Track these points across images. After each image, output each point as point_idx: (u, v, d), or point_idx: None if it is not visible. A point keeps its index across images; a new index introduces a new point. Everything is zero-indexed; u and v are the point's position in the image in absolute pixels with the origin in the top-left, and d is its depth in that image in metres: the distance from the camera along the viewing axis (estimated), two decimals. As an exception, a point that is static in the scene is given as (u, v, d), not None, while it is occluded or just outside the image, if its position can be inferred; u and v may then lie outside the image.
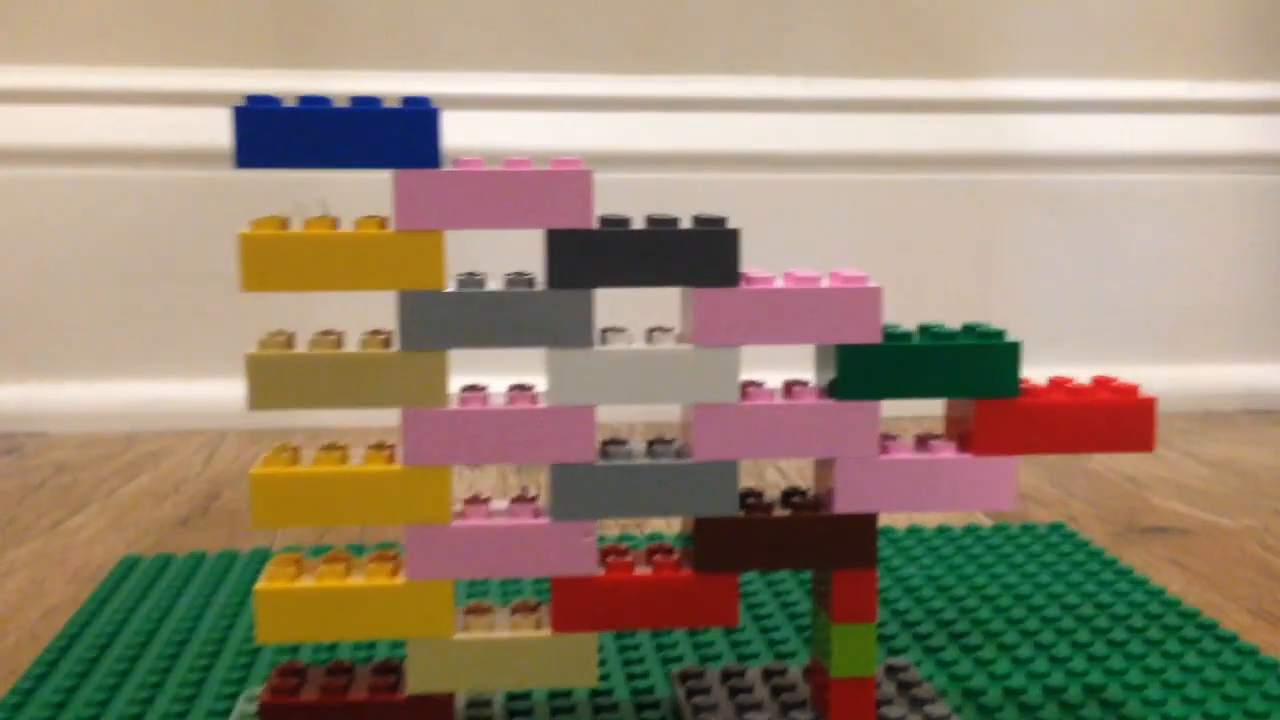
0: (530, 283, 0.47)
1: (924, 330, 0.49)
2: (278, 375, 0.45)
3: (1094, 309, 1.20)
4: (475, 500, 0.48)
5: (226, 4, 1.13)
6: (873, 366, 0.48)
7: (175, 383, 1.13)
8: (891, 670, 0.55)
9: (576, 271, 0.46)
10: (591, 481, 0.47)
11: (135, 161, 1.12)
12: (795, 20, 1.14)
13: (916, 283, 1.16)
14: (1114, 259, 1.20)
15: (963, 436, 0.49)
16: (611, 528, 0.80)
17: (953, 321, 0.50)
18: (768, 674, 0.54)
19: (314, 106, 0.45)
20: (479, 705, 0.51)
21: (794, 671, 0.55)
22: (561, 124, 1.14)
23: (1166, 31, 1.20)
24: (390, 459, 0.47)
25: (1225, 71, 1.21)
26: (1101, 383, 0.50)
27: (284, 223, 0.46)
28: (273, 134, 0.44)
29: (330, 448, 0.47)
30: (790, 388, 0.49)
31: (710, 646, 0.61)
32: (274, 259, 0.45)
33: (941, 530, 0.80)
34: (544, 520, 0.47)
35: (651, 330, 0.48)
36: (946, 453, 0.49)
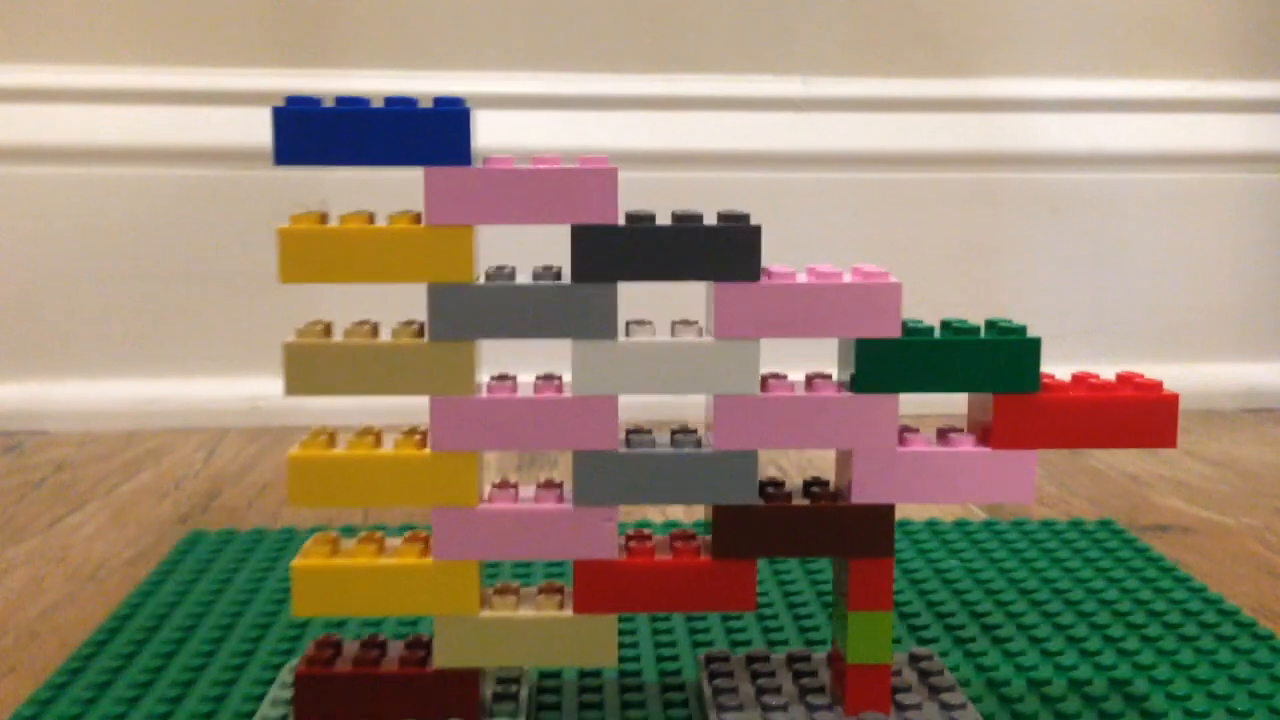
0: (558, 276, 0.49)
1: (945, 326, 0.50)
2: (312, 363, 0.47)
3: (1095, 307, 1.20)
4: (504, 485, 0.50)
5: (233, 2, 1.13)
6: (891, 360, 0.49)
7: (175, 381, 1.13)
8: (914, 659, 0.56)
9: (600, 266, 0.48)
10: (613, 469, 0.49)
11: (136, 160, 1.12)
12: (795, 20, 1.14)
13: (917, 281, 1.16)
14: (1115, 258, 1.19)
15: (983, 430, 0.50)
16: (631, 513, 0.81)
17: (970, 319, 0.51)
18: (791, 660, 0.55)
19: (350, 107, 0.47)
20: (508, 682, 0.53)
21: (818, 658, 0.56)
22: (566, 123, 1.14)
23: (1167, 30, 1.19)
24: (421, 444, 0.49)
25: (1226, 71, 1.20)
26: (1125, 379, 0.51)
27: (322, 218, 0.48)
28: (310, 133, 0.47)
29: (364, 432, 0.50)
30: (812, 381, 0.50)
31: (742, 632, 0.63)
32: (310, 252, 0.47)
33: (989, 524, 0.81)
34: (567, 505, 0.49)
35: (675, 323, 0.50)
36: (965, 446, 0.50)
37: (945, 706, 0.51)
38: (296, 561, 0.49)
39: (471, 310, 0.48)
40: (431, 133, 0.47)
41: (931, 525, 0.80)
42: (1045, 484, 0.93)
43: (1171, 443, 0.50)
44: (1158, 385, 0.50)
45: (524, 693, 0.52)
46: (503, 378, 0.50)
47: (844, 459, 0.51)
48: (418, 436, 0.49)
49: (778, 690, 0.52)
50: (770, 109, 1.13)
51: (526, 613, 0.49)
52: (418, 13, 1.13)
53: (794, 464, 0.98)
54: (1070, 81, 1.18)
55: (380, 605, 0.49)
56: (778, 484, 0.51)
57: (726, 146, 1.13)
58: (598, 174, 0.47)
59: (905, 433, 0.50)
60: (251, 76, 1.12)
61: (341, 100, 0.47)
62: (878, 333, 0.48)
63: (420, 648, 0.51)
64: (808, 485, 0.51)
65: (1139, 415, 0.50)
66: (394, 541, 0.51)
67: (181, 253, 1.14)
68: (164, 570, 0.71)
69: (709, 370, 0.48)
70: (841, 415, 0.49)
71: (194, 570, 0.71)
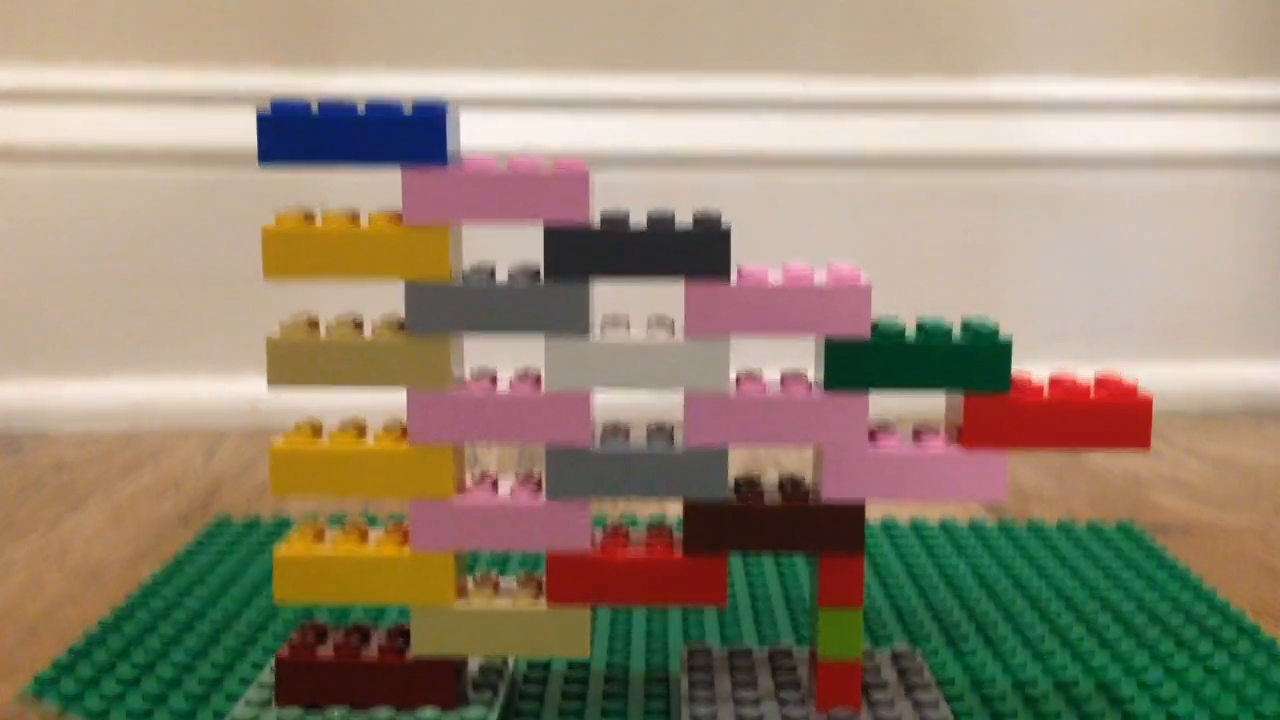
0: (536, 275, 0.50)
1: (919, 326, 0.50)
2: (293, 356, 0.49)
3: (1094, 307, 1.18)
4: (483, 478, 0.51)
5: (231, 3, 1.13)
6: (860, 360, 0.49)
7: (175, 381, 1.13)
8: (896, 657, 0.56)
9: (571, 264, 0.49)
10: (586, 463, 0.50)
11: (136, 161, 1.12)
12: (795, 20, 1.14)
13: (916, 281, 1.15)
14: (1114, 258, 1.18)
15: (957, 430, 0.50)
16: (614, 509, 0.82)
17: (953, 319, 0.51)
18: (773, 655, 0.56)
19: (330, 110, 0.48)
20: (489, 672, 0.54)
21: (799, 654, 0.56)
22: (564, 124, 1.14)
23: (1167, 30, 1.17)
24: (402, 438, 0.50)
25: (1226, 71, 1.17)
26: (1102, 382, 0.51)
27: (309, 217, 0.50)
28: (292, 135, 0.48)
29: (349, 425, 0.51)
30: (785, 379, 0.50)
31: (736, 626, 0.63)
32: (293, 250, 0.49)
33: (1003, 525, 0.81)
34: (541, 499, 0.50)
35: (650, 321, 0.50)
36: (935, 445, 0.50)
37: (918, 704, 0.52)
38: (279, 550, 0.50)
39: (447, 307, 0.49)
40: (408, 135, 0.48)
41: (946, 526, 0.80)
42: (1045, 484, 0.92)
43: (1145, 445, 0.50)
44: (1133, 388, 0.50)
45: (503, 683, 0.53)
46: (481, 373, 0.51)
47: (817, 457, 0.51)
48: (399, 430, 0.51)
49: (754, 685, 0.53)
50: (771, 110, 1.14)
51: (501, 604, 0.51)
52: (420, 14, 1.14)
53: (796, 462, 0.98)
54: (1071, 82, 1.17)
55: (358, 594, 0.50)
56: (752, 481, 0.52)
57: (727, 147, 1.13)
58: (569, 176, 0.48)
59: (878, 432, 0.51)
60: (253, 77, 1.12)
61: (323, 104, 0.48)
62: (847, 333, 0.49)
63: (401, 636, 0.52)
64: (782, 482, 0.52)
65: (1111, 418, 0.49)
66: (377, 533, 0.52)
67: (182, 253, 1.14)
68: (182, 557, 0.74)
69: (679, 368, 0.49)
70: (811, 414, 0.49)
71: (210, 559, 0.74)
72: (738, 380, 0.50)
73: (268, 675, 0.54)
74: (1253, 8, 1.17)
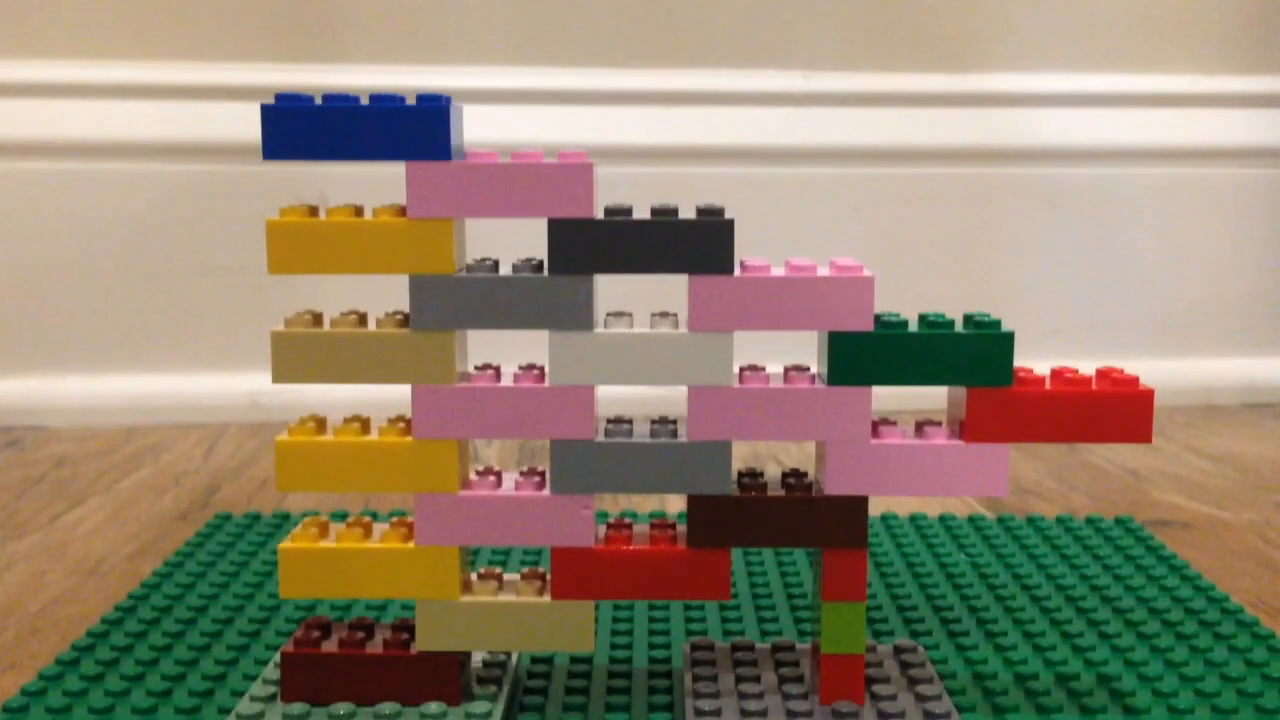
0: (539, 268, 0.50)
1: (922, 320, 0.50)
2: (298, 351, 0.49)
3: (1095, 302, 1.19)
4: (487, 472, 0.51)
5: None
6: (863, 353, 0.49)
7: (175, 376, 1.13)
8: (899, 650, 0.56)
9: (575, 258, 0.49)
10: (590, 457, 0.50)
11: (136, 155, 1.12)
12: (797, 15, 1.14)
13: (918, 276, 1.16)
14: (1115, 252, 1.18)
15: (960, 424, 0.51)
16: (614, 506, 0.82)
17: (954, 314, 0.51)
18: (776, 650, 0.56)
19: (334, 104, 0.48)
20: (495, 666, 0.54)
21: (802, 648, 0.56)
22: (567, 118, 1.14)
23: (1167, 25, 1.17)
24: (405, 431, 0.50)
25: (1226, 65, 1.18)
26: (1103, 374, 0.51)
27: (312, 211, 0.50)
28: (296, 130, 0.48)
29: (353, 419, 0.51)
30: (789, 373, 0.51)
31: (738, 621, 0.64)
32: (296, 244, 0.49)
33: (1003, 519, 0.81)
34: (545, 493, 0.50)
35: (654, 315, 0.51)
36: (938, 439, 0.50)
37: (920, 697, 0.52)
38: (284, 544, 0.50)
39: (451, 301, 0.49)
40: (412, 129, 0.48)
41: (945, 520, 0.80)
42: (1045, 479, 0.92)
43: (1147, 438, 0.50)
44: (1134, 380, 0.50)
45: (507, 677, 0.53)
46: (486, 367, 0.51)
47: (820, 451, 0.51)
48: (402, 424, 0.51)
49: (757, 680, 0.53)
50: (771, 104, 1.14)
51: (505, 598, 0.51)
52: (424, 9, 1.13)
53: (795, 458, 0.98)
54: (1070, 76, 1.18)
55: (363, 588, 0.50)
56: (755, 474, 0.52)
57: (728, 141, 1.14)
58: (573, 169, 0.48)
59: (881, 425, 0.51)
60: (254, 71, 1.12)
61: (329, 97, 0.48)
62: (850, 326, 0.49)
63: (405, 630, 0.52)
64: (785, 476, 0.52)
65: (1113, 410, 0.50)
66: (382, 527, 0.52)
67: (181, 248, 1.14)
68: (184, 552, 0.74)
69: (683, 362, 0.49)
70: (814, 407, 0.49)
71: (211, 555, 0.74)
72: (741, 374, 0.50)
73: (272, 670, 0.54)
74: (1252, 3, 1.18)
